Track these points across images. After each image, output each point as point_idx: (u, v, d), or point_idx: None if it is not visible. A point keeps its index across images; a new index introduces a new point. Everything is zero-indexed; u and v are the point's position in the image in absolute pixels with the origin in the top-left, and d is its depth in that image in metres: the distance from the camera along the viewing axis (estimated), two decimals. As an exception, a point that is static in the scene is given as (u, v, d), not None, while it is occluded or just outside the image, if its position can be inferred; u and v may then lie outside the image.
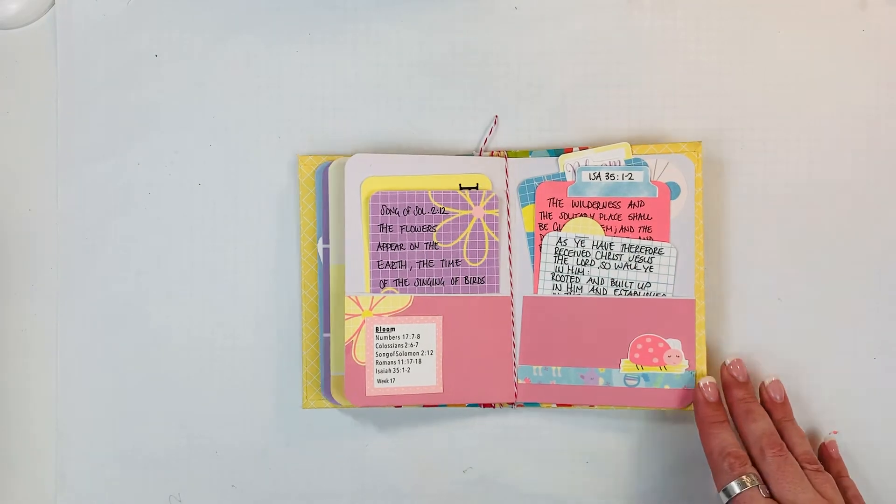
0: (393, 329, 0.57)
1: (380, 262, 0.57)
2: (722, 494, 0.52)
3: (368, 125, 0.60)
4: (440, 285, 0.58)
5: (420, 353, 0.57)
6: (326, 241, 0.58)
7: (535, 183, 0.59)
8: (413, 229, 0.57)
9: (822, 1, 0.60)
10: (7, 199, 0.62)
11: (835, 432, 0.59)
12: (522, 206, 0.59)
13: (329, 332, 0.58)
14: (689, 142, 0.58)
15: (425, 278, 0.57)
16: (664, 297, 0.58)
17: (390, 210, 0.57)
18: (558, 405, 0.59)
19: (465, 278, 0.58)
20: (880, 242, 0.59)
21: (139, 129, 0.61)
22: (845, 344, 0.59)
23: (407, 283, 0.57)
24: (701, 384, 0.57)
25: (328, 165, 0.58)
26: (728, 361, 0.57)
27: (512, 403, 0.59)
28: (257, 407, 0.60)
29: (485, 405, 0.59)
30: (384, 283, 0.57)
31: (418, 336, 0.57)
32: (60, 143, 0.61)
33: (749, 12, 0.60)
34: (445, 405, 0.59)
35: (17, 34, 0.62)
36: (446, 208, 0.57)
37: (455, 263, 0.58)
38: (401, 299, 0.57)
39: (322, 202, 0.58)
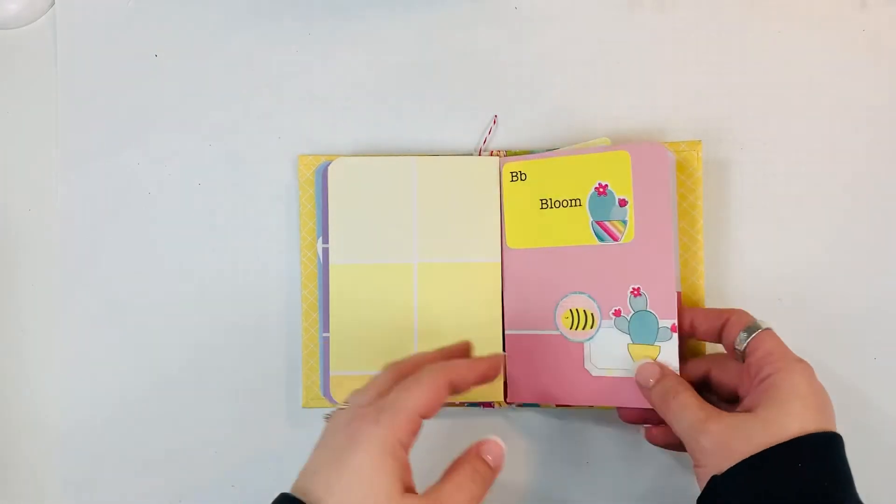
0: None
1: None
2: (740, 339, 0.50)
3: (368, 125, 0.60)
4: (441, 285, 0.58)
5: (421, 352, 0.57)
6: (326, 240, 0.58)
7: (536, 183, 0.59)
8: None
9: (822, 1, 0.59)
10: (7, 199, 0.62)
11: (835, 432, 0.59)
12: (522, 206, 0.59)
13: (329, 331, 0.58)
14: (689, 141, 0.58)
15: (425, 278, 0.58)
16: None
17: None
18: (557, 405, 0.59)
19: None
20: (880, 242, 0.59)
21: (139, 129, 0.61)
22: (845, 344, 0.59)
23: (407, 283, 0.57)
24: (640, 381, 0.53)
25: (328, 165, 0.58)
26: None
27: (512, 403, 0.59)
28: (257, 407, 0.60)
29: (485, 405, 0.59)
30: (385, 283, 0.57)
31: (419, 336, 0.57)
32: (60, 143, 0.61)
33: (749, 12, 0.60)
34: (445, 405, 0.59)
35: (17, 34, 0.62)
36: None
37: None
38: (401, 299, 0.57)
39: (322, 202, 0.58)
